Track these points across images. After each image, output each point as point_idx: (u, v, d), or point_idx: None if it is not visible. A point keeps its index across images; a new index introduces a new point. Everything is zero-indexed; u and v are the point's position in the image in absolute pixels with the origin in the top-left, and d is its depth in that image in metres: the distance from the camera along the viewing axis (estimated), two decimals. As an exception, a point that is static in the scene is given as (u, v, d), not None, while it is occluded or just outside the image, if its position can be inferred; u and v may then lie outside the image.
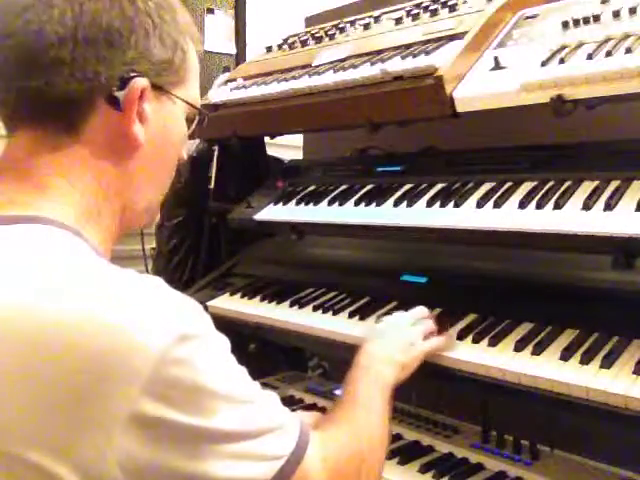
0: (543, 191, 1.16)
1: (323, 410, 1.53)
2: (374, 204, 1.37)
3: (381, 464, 0.91)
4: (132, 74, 0.73)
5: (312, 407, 1.58)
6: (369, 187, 1.48)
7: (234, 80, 1.78)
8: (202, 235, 1.98)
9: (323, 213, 1.45)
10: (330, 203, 1.47)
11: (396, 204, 1.33)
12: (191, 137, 0.88)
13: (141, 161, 0.78)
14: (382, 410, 0.96)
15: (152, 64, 0.75)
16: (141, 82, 0.73)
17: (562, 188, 1.15)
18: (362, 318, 1.34)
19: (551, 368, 1.01)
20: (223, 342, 0.70)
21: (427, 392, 1.56)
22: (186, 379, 0.62)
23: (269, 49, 1.86)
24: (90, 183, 0.75)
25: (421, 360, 1.11)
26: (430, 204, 1.27)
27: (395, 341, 1.11)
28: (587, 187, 1.13)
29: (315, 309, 1.44)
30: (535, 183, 1.20)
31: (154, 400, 0.60)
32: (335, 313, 1.39)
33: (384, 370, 1.03)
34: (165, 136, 0.80)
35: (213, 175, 1.94)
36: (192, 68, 0.83)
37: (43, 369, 0.58)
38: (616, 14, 1.17)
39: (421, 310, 1.19)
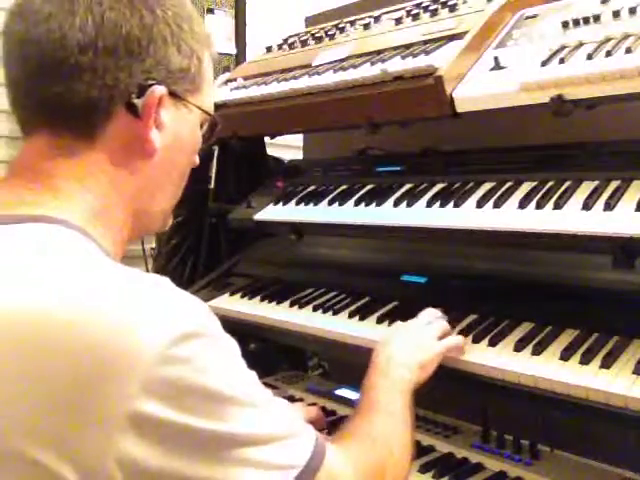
0: (543, 191, 1.16)
1: (322, 410, 1.53)
2: (374, 204, 1.37)
3: (406, 471, 0.90)
4: (150, 82, 0.74)
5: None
6: (369, 187, 1.48)
7: (234, 80, 1.78)
8: (202, 235, 1.98)
9: (323, 213, 1.45)
10: (330, 203, 1.47)
11: (396, 204, 1.33)
12: (205, 142, 0.89)
13: (156, 167, 0.79)
14: (403, 415, 0.94)
15: (170, 72, 0.76)
16: (159, 90, 0.75)
17: (562, 188, 1.15)
18: (362, 318, 1.34)
19: (551, 368, 1.01)
20: (231, 344, 0.69)
21: (427, 392, 1.55)
22: (186, 378, 0.61)
23: (269, 49, 1.86)
24: (105, 187, 0.76)
25: (440, 359, 1.08)
26: (430, 204, 1.27)
27: (413, 341, 1.08)
28: (587, 187, 1.12)
29: (315, 309, 1.44)
30: (535, 183, 1.20)
31: (153, 400, 0.59)
32: (335, 313, 1.39)
33: (403, 373, 1.01)
34: (179, 143, 0.81)
35: (213, 175, 1.94)
36: (207, 76, 0.84)
37: (44, 366, 0.58)
38: (616, 14, 1.17)
39: (433, 311, 1.18)
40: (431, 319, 1.15)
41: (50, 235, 0.68)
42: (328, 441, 0.79)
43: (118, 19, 0.72)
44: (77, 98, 0.72)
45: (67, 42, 0.71)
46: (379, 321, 1.30)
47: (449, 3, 1.44)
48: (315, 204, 1.50)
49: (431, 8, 1.48)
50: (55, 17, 0.71)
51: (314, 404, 1.61)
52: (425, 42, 1.38)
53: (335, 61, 1.52)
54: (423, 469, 1.25)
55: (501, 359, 1.07)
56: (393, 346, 1.07)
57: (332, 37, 1.65)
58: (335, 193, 1.51)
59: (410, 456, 0.92)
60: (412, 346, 1.07)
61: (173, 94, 0.77)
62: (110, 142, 0.75)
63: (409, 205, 1.30)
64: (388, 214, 1.32)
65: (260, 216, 1.58)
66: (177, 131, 0.80)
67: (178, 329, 0.61)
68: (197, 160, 0.89)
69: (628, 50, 1.04)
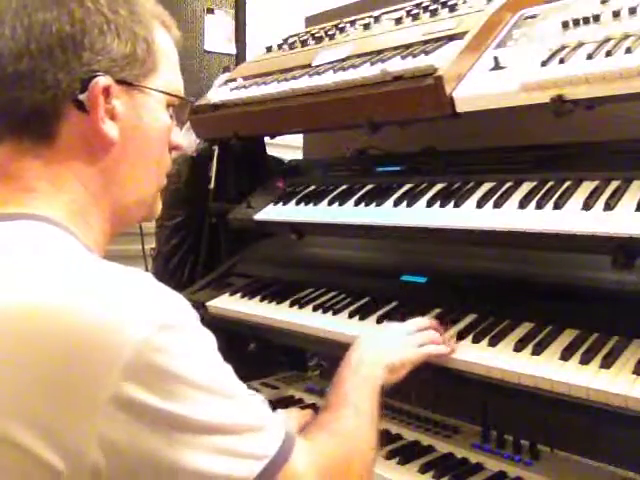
0: (543, 191, 1.16)
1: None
2: (374, 204, 1.37)
3: (371, 467, 0.90)
4: (92, 75, 0.74)
5: (312, 407, 1.58)
6: (369, 187, 1.48)
7: (234, 80, 1.78)
8: (202, 235, 1.98)
9: (323, 213, 1.45)
10: (330, 203, 1.47)
11: (396, 204, 1.33)
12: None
13: (121, 157, 0.79)
14: (371, 412, 0.95)
15: (113, 60, 0.76)
16: (103, 81, 0.75)
17: (562, 188, 1.15)
18: (362, 318, 1.34)
19: (551, 368, 1.01)
20: (208, 337, 0.71)
21: (427, 392, 1.56)
22: (165, 365, 0.63)
23: (269, 49, 1.86)
24: (73, 185, 0.77)
25: (413, 366, 1.09)
26: (430, 204, 1.27)
27: (387, 342, 1.10)
28: (587, 187, 1.12)
29: (315, 309, 1.44)
30: (535, 183, 1.20)
31: (135, 384, 0.61)
32: (335, 313, 1.39)
33: (374, 371, 1.03)
34: (142, 129, 0.81)
35: (213, 175, 1.94)
36: (163, 55, 0.82)
37: (29, 354, 0.60)
38: (616, 14, 1.17)
39: (422, 321, 1.19)
40: (417, 328, 1.15)
41: (35, 231, 0.70)
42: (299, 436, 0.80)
43: (46, 20, 0.72)
44: (24, 105, 0.73)
45: (1, 53, 0.72)
46: (379, 321, 1.30)
47: (449, 3, 1.44)
48: (315, 204, 1.50)
49: (431, 8, 1.48)
50: None
51: (314, 404, 1.61)
52: (425, 42, 1.38)
53: (335, 61, 1.52)
54: (423, 469, 1.25)
55: (501, 359, 1.07)
56: (367, 344, 1.09)
57: (332, 37, 1.65)
58: (335, 193, 1.51)
59: (374, 452, 0.92)
60: (386, 347, 1.09)
61: (122, 82, 0.77)
62: (69, 141, 0.76)
63: (409, 205, 1.30)
64: (388, 214, 1.32)
65: (260, 216, 1.58)
66: (136, 118, 0.79)
67: (160, 320, 0.64)
68: (179, 142, 0.89)
69: (628, 50, 1.04)
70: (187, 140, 1.84)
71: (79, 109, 0.75)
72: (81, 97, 0.74)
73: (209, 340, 0.71)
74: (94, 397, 0.60)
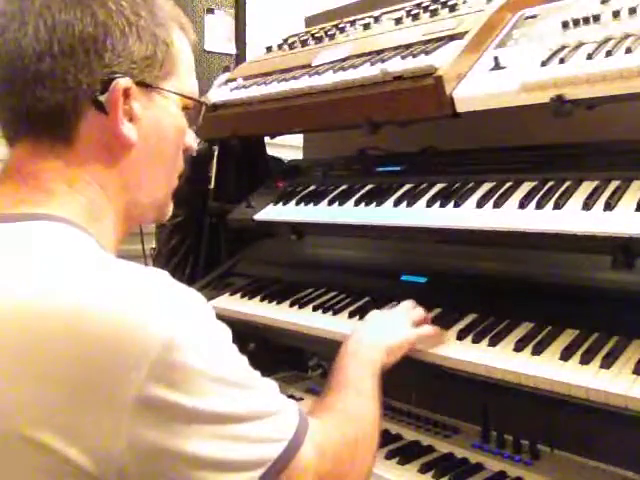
0: (543, 191, 1.16)
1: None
2: (374, 204, 1.37)
3: (374, 447, 0.92)
4: (112, 76, 0.75)
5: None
6: (369, 187, 1.48)
7: (234, 80, 1.78)
8: (202, 235, 1.98)
9: (323, 213, 1.45)
10: (330, 203, 1.47)
11: (396, 204, 1.33)
12: (198, 129, 0.90)
13: (138, 158, 0.80)
14: (372, 393, 0.98)
15: (133, 62, 0.76)
16: (123, 82, 0.75)
17: (562, 188, 1.15)
18: (362, 318, 1.33)
19: (551, 368, 1.01)
20: (225, 331, 0.72)
21: (427, 392, 1.55)
22: (189, 362, 0.64)
23: (269, 49, 1.86)
24: (90, 186, 0.77)
25: (409, 346, 1.12)
26: (430, 204, 1.27)
27: (383, 326, 1.13)
28: (587, 187, 1.12)
29: (315, 309, 1.44)
30: (535, 183, 1.20)
31: (161, 383, 0.62)
32: (335, 313, 1.39)
33: (372, 354, 1.05)
34: (159, 130, 0.81)
35: (213, 175, 1.94)
36: (181, 58, 0.83)
37: (53, 354, 0.61)
38: (616, 14, 1.17)
39: (409, 303, 1.22)
40: (408, 309, 1.19)
41: (53, 232, 0.70)
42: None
43: (69, 21, 0.73)
44: (44, 105, 0.74)
45: (24, 52, 0.73)
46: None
47: (449, 3, 1.44)
48: (315, 204, 1.50)
49: (431, 8, 1.48)
50: (8, 29, 0.73)
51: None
52: (425, 42, 1.38)
53: (335, 61, 1.52)
54: (423, 469, 1.25)
55: (501, 359, 1.07)
56: (364, 330, 1.12)
57: (332, 37, 1.65)
58: (335, 193, 1.51)
59: (377, 431, 0.94)
60: (382, 330, 1.12)
61: (141, 83, 0.77)
62: (87, 141, 0.76)
63: (409, 205, 1.30)
64: (388, 214, 1.32)
65: (260, 216, 1.58)
66: (155, 119, 0.80)
67: (179, 318, 0.65)
68: (191, 144, 0.89)
69: (628, 50, 1.04)
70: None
71: (99, 110, 0.75)
72: (101, 98, 0.75)
73: (226, 334, 0.72)
74: (120, 397, 0.60)
